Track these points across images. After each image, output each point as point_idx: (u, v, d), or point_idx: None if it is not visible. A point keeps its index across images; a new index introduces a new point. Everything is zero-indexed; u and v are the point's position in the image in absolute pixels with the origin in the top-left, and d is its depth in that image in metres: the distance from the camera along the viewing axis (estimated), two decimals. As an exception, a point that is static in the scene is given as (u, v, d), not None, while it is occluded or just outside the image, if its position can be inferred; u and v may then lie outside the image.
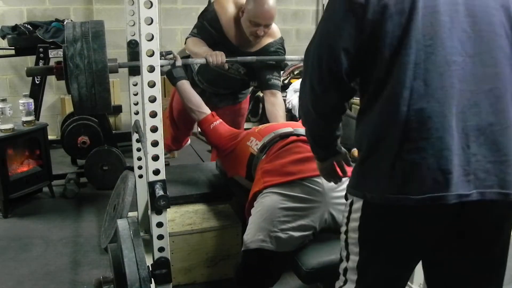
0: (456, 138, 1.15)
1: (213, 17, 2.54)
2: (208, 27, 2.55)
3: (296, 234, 1.70)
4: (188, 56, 2.63)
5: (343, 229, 1.33)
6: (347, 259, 1.32)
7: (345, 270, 1.33)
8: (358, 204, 1.26)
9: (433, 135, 1.14)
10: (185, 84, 2.24)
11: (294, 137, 1.96)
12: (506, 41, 1.19)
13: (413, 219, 1.19)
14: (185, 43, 2.65)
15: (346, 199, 1.33)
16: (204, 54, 2.32)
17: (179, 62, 2.23)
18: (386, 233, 1.23)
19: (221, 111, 2.80)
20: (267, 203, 1.75)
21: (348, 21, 1.18)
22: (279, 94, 2.54)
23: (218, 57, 2.28)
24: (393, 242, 1.24)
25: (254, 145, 2.06)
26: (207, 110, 2.22)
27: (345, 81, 1.23)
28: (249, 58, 2.51)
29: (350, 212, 1.29)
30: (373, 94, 1.21)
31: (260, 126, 2.18)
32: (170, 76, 2.24)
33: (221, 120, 2.23)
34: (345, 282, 1.33)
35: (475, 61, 1.16)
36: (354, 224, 1.28)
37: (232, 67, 2.63)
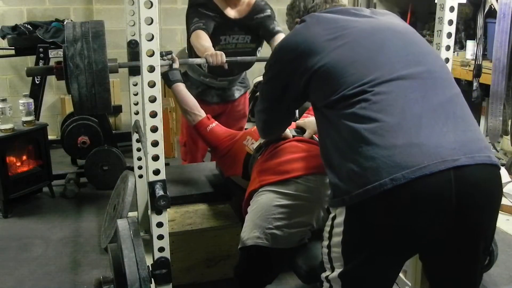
0: (420, 118, 1.19)
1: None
2: (204, 12, 2.60)
3: (292, 230, 1.72)
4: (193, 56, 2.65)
5: (325, 243, 1.34)
6: (332, 269, 1.33)
7: (330, 278, 1.34)
8: (340, 219, 1.26)
9: (395, 121, 1.19)
10: (180, 86, 2.24)
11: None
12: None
13: (402, 210, 1.17)
14: (189, 36, 2.65)
15: (329, 212, 1.33)
16: (204, 54, 2.33)
17: (176, 65, 2.23)
18: (371, 239, 1.22)
19: (236, 103, 2.94)
20: (262, 201, 1.78)
21: None
22: (283, 36, 2.62)
23: (218, 57, 2.29)
24: (380, 245, 1.22)
25: (250, 144, 2.08)
26: (202, 113, 2.23)
27: None
28: (248, 58, 2.57)
29: (332, 226, 1.30)
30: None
31: None
32: (166, 78, 2.24)
33: (217, 122, 2.24)
34: None
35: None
36: (337, 238, 1.28)
37: (238, 42, 2.73)
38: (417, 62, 1.31)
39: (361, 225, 1.23)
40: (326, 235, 1.33)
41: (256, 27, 2.71)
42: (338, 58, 1.31)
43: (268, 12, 2.71)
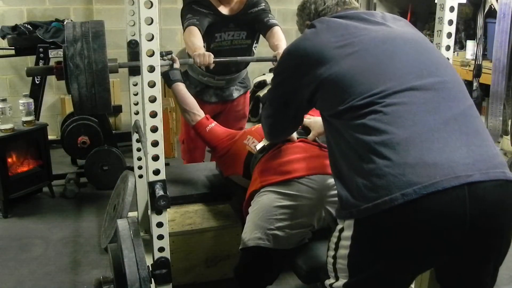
0: (432, 131, 1.16)
1: None
2: (198, 9, 2.61)
3: (293, 231, 1.72)
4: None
5: (331, 253, 1.31)
6: (336, 279, 1.31)
7: (335, 287, 1.31)
8: (348, 233, 1.23)
9: (406, 134, 1.16)
10: (180, 86, 2.25)
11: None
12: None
13: (412, 225, 1.13)
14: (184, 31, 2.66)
15: (336, 223, 1.30)
16: (196, 52, 2.33)
17: (177, 64, 2.23)
18: (379, 254, 1.19)
19: (235, 103, 2.93)
20: (263, 201, 1.77)
21: None
22: (279, 29, 2.66)
23: (206, 58, 2.29)
24: (388, 261, 1.19)
25: (251, 143, 2.08)
26: (201, 113, 2.23)
27: None
28: (249, 58, 2.61)
29: (339, 238, 1.27)
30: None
31: (258, 125, 2.19)
32: (166, 78, 2.24)
33: (216, 122, 2.25)
34: None
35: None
36: (344, 251, 1.25)
37: (233, 38, 2.73)
38: (430, 73, 1.27)
39: (369, 240, 1.20)
40: (332, 245, 1.30)
41: (251, 21, 2.71)
42: (347, 67, 1.27)
43: (263, 5, 2.71)
